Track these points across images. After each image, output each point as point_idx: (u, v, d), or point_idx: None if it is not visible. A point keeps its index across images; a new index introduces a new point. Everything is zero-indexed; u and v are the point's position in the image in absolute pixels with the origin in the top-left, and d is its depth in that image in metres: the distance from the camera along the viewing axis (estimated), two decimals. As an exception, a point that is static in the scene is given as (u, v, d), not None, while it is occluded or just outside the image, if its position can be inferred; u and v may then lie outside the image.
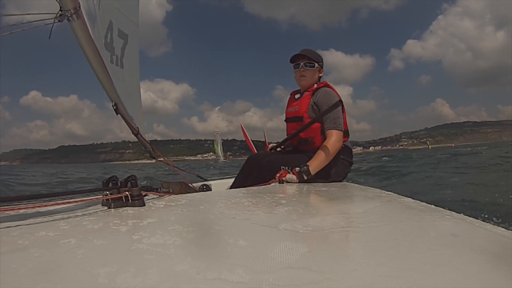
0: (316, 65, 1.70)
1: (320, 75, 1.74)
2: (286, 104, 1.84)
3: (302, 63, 1.69)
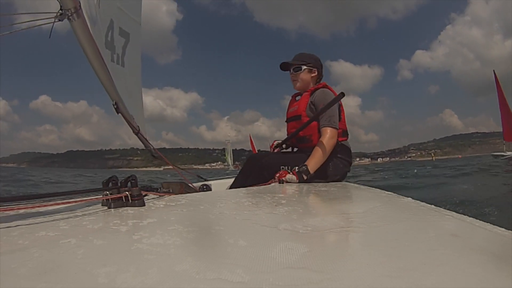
0: (304, 67, 1.74)
1: (313, 75, 1.76)
2: (287, 106, 1.88)
3: (291, 69, 1.76)
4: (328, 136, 1.52)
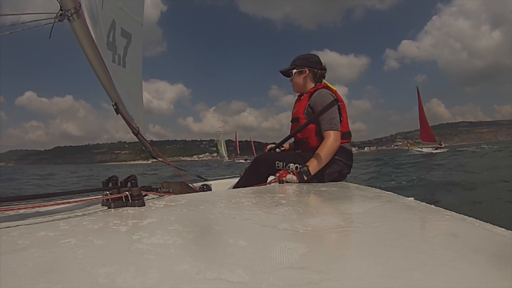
0: (294, 70, 1.75)
1: (304, 75, 1.76)
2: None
3: (289, 77, 1.81)
4: (332, 139, 1.52)
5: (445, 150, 27.94)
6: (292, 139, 1.80)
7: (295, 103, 1.86)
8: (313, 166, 1.46)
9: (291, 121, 1.84)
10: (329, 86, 1.71)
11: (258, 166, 1.63)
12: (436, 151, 27.15)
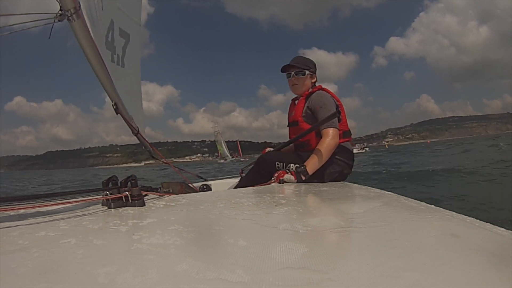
0: (307, 72, 1.73)
1: (313, 80, 1.77)
2: (288, 110, 1.89)
3: (293, 72, 1.73)
4: (330, 137, 1.51)
5: (364, 150, 41.34)
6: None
7: (290, 107, 1.84)
8: (311, 165, 1.45)
9: (288, 126, 1.82)
10: (324, 88, 1.72)
11: (259, 167, 1.63)
12: (360, 151, 40.63)
